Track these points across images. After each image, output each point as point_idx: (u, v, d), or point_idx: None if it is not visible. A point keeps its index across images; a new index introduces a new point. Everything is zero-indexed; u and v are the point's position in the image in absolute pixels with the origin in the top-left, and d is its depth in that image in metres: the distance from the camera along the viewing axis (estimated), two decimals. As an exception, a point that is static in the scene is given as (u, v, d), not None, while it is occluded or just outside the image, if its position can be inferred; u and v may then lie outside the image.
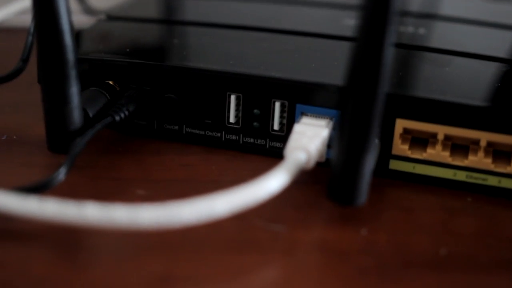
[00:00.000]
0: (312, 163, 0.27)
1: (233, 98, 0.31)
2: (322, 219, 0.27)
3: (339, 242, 0.25)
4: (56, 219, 0.23)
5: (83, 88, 0.31)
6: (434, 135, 0.29)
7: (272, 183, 0.25)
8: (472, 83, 0.30)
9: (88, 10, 0.46)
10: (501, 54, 0.34)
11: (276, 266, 0.24)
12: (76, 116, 0.28)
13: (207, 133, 0.32)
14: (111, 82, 0.32)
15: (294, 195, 0.28)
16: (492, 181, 0.29)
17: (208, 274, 0.23)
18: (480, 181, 0.29)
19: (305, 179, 0.28)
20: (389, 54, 0.24)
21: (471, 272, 0.24)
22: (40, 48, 0.27)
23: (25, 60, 0.34)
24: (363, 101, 0.24)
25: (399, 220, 0.27)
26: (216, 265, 0.24)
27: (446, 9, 0.45)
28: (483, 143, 0.28)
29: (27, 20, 0.35)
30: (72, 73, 0.27)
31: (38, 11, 0.26)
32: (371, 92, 0.24)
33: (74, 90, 0.28)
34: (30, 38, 0.34)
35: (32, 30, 0.34)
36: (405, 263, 0.24)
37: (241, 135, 0.32)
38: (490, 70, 0.32)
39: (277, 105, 0.30)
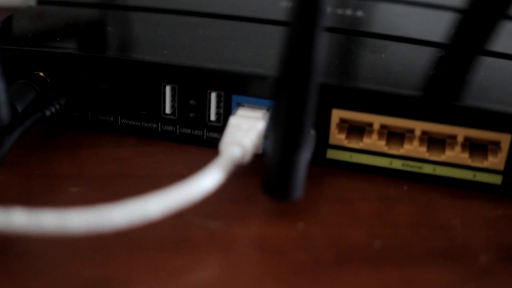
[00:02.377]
0: (247, 158, 0.27)
1: (168, 89, 0.30)
2: (259, 214, 0.27)
3: (276, 238, 0.25)
4: (-18, 227, 0.22)
5: (11, 80, 0.30)
6: (370, 124, 0.29)
7: (206, 181, 0.25)
8: (408, 71, 0.31)
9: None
10: (438, 38, 0.34)
11: (213, 265, 0.24)
12: (4, 113, 0.27)
13: (143, 124, 0.31)
14: (41, 74, 0.31)
15: (230, 188, 0.27)
16: (427, 169, 0.29)
17: (143, 276, 0.23)
18: (415, 169, 0.29)
19: (241, 170, 0.28)
20: (322, 40, 0.23)
21: (405, 265, 0.24)
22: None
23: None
24: (296, 92, 0.24)
25: (335, 212, 0.27)
26: (151, 267, 0.23)
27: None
28: (418, 133, 0.28)
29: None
30: (-3, 69, 0.26)
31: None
32: (304, 81, 0.24)
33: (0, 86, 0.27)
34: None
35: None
36: (340, 258, 0.25)
37: (177, 126, 0.31)
38: (426, 56, 0.32)
39: (213, 96, 0.30)
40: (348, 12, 0.38)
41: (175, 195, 0.24)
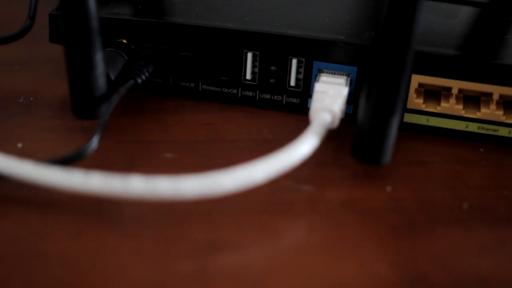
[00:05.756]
0: (336, 123, 0.28)
1: (249, 55, 0.31)
2: (347, 177, 0.28)
3: (368, 200, 0.27)
4: (102, 193, 0.24)
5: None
6: (447, 89, 0.30)
7: (304, 147, 0.26)
8: (483, 36, 0.31)
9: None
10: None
11: (312, 227, 0.25)
12: (101, 82, 0.28)
13: (223, 90, 0.32)
14: (124, 41, 0.32)
15: (317, 153, 0.29)
16: (503, 131, 0.30)
17: (249, 238, 0.25)
18: (491, 132, 0.30)
19: (326, 135, 0.29)
20: (422, 8, 0.24)
21: (494, 226, 0.26)
22: (65, 17, 0.27)
23: (32, 18, 0.34)
24: (395, 59, 0.25)
25: (419, 174, 0.28)
26: (256, 228, 0.25)
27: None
28: (495, 97, 0.29)
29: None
30: (97, 41, 0.27)
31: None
32: (403, 49, 0.24)
33: (99, 56, 0.28)
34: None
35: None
36: (432, 219, 0.26)
37: (257, 91, 0.32)
38: (499, 21, 0.33)
39: (294, 62, 0.31)
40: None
41: (277, 161, 0.25)
